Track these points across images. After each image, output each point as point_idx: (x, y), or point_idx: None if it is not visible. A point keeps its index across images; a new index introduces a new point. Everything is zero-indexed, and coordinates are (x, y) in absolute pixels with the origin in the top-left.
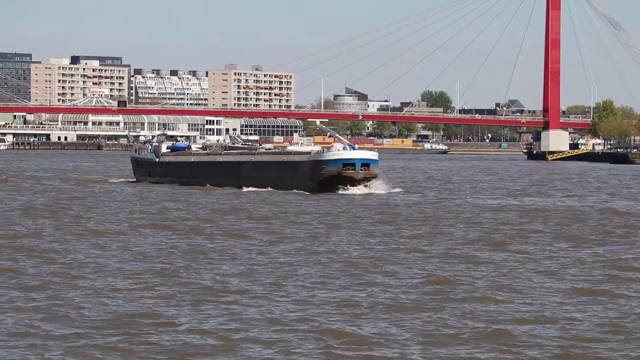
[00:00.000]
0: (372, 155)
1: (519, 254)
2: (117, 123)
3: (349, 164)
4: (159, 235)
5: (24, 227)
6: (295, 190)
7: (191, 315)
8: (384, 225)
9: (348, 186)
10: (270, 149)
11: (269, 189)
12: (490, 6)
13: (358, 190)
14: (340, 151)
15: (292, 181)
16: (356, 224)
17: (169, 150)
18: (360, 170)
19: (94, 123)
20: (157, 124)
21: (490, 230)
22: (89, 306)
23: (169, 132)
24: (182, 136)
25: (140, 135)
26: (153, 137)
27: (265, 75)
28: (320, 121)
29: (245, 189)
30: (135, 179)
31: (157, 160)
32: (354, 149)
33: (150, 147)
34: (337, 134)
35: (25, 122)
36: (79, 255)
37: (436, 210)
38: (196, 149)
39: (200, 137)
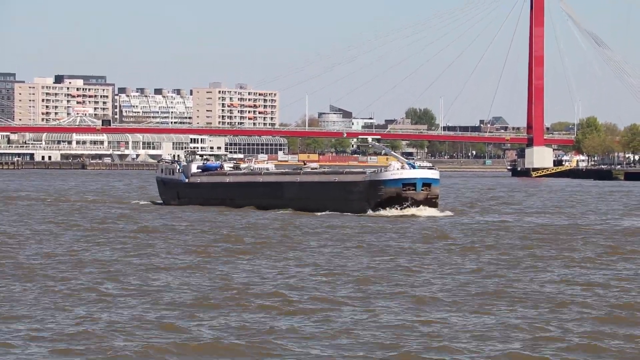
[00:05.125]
0: (433, 174)
1: None
2: (102, 142)
3: (409, 183)
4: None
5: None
6: (349, 213)
7: None
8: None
9: (408, 206)
10: (315, 169)
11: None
12: (474, 23)
13: (421, 212)
14: (399, 170)
15: (345, 202)
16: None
17: (200, 170)
18: (422, 190)
19: (78, 142)
20: (141, 143)
21: None
22: None
23: (154, 151)
24: (212, 155)
25: (168, 155)
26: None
27: (249, 94)
28: (373, 138)
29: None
30: (161, 201)
31: (187, 180)
32: (413, 167)
33: (178, 167)
34: (393, 152)
35: (9, 141)
36: None
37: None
38: (228, 168)
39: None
